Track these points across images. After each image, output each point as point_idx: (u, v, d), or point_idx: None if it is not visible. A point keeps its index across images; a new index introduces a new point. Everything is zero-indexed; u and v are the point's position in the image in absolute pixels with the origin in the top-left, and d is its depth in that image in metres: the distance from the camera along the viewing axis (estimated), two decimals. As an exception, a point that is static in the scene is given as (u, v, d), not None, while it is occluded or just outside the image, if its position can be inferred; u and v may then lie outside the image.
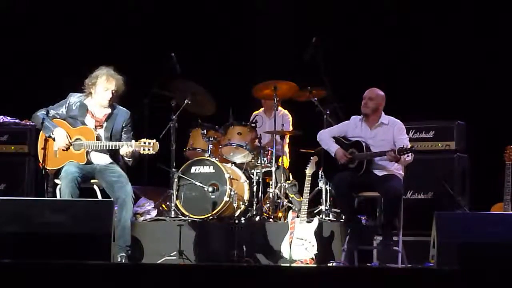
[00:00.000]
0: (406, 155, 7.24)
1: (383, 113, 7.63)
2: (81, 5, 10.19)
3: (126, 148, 6.95)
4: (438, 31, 9.59)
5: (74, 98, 7.19)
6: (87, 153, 7.06)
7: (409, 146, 7.28)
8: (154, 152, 6.96)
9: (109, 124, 7.17)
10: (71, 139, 7.06)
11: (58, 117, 7.15)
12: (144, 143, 6.94)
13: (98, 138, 7.07)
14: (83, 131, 7.08)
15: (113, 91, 7.10)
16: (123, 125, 7.21)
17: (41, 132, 7.17)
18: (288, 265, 7.29)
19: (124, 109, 7.28)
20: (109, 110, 7.20)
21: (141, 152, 6.96)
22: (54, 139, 7.04)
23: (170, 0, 10.39)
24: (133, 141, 7.01)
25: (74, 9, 10.18)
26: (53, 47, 10.04)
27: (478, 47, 9.34)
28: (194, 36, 10.29)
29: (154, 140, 6.96)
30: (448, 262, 5.89)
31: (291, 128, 9.11)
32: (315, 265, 7.29)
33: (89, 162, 7.08)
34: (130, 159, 7.08)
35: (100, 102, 7.14)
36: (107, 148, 7.04)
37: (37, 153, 7.18)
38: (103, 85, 7.08)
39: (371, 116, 7.61)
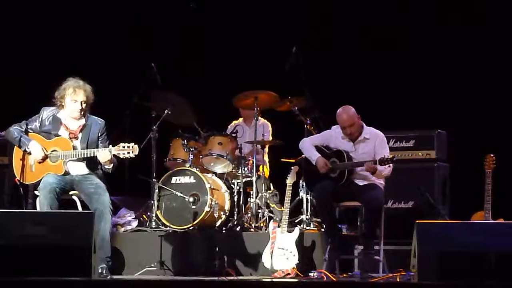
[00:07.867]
0: (384, 166, 7.26)
1: (364, 125, 7.60)
2: (62, 16, 10.15)
3: (105, 153, 6.86)
4: (418, 40, 9.61)
5: (46, 112, 7.11)
6: (64, 163, 6.98)
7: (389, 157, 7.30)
8: (134, 156, 6.86)
9: (84, 134, 7.08)
10: (47, 151, 6.99)
11: (32, 131, 7.07)
12: (123, 147, 6.84)
13: (74, 149, 6.99)
14: (59, 142, 7.01)
15: (82, 102, 7.02)
16: (99, 135, 7.12)
17: (15, 147, 7.09)
18: (269, 280, 7.26)
19: (98, 118, 7.19)
20: (83, 121, 7.11)
21: (121, 156, 6.88)
22: (30, 153, 6.98)
23: (150, 11, 10.37)
24: (110, 146, 6.93)
25: (57, 19, 10.14)
26: (32, 58, 9.98)
27: (458, 56, 9.37)
28: (174, 47, 10.28)
29: (133, 143, 6.87)
30: (428, 271, 5.90)
31: (271, 137, 9.10)
32: (296, 279, 7.27)
33: (67, 173, 7.00)
34: (110, 166, 6.99)
35: (71, 114, 7.07)
36: (85, 156, 6.94)
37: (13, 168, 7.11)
38: (71, 97, 7.00)
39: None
